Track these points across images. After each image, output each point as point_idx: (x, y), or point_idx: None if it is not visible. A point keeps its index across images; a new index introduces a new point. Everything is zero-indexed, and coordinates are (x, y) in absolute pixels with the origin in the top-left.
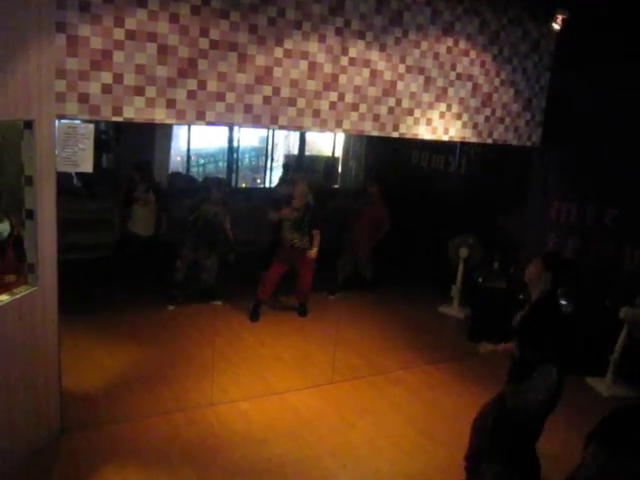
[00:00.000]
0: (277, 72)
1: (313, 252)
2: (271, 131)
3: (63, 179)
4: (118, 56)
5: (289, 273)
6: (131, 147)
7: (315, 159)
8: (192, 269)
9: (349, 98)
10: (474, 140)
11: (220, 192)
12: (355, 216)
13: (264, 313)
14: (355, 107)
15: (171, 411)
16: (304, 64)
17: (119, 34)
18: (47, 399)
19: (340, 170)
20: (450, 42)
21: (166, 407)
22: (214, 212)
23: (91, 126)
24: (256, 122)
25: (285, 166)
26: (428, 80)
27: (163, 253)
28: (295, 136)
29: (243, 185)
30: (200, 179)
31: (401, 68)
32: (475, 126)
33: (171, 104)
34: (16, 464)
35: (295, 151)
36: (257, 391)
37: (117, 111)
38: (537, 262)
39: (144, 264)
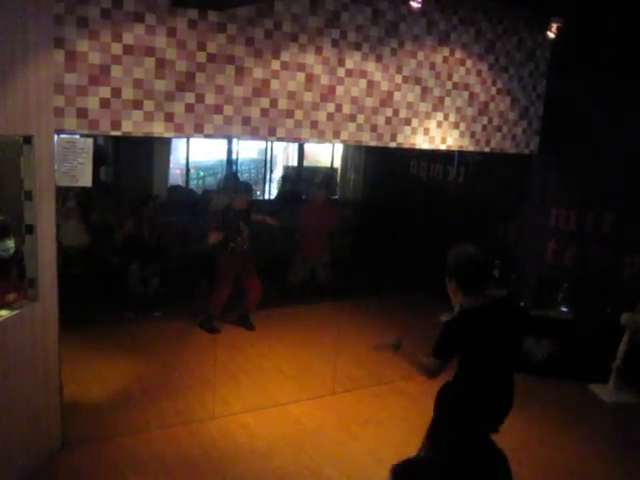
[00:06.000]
0: (274, 84)
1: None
2: (270, 143)
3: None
4: (116, 71)
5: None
6: (130, 161)
7: (314, 170)
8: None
9: (346, 109)
10: (472, 149)
11: None
12: (305, 221)
13: (263, 324)
14: (352, 118)
15: (173, 424)
16: (301, 76)
17: (117, 49)
18: (48, 413)
19: (339, 181)
20: (446, 52)
21: (168, 420)
22: None
23: (90, 140)
24: (254, 134)
25: (284, 178)
26: (425, 90)
27: None
28: (294, 147)
29: None
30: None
31: (398, 78)
32: (472, 135)
33: (169, 117)
34: None
35: (294, 162)
36: (259, 403)
37: (115, 125)
38: None
39: None
